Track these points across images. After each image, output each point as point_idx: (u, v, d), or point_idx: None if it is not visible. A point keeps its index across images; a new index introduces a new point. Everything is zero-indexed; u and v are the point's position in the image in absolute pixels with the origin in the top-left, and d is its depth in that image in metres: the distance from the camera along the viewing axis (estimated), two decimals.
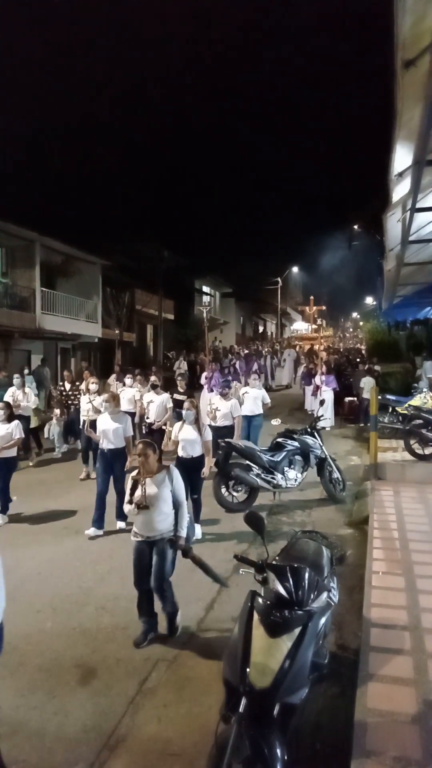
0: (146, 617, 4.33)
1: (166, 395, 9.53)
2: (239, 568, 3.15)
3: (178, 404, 9.64)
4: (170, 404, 9.46)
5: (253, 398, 10.07)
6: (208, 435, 6.68)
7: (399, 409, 11.15)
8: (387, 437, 10.90)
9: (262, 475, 7.46)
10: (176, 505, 4.38)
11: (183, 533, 4.36)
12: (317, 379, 14.07)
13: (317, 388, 13.93)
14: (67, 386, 11.69)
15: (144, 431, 9.45)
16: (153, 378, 10.20)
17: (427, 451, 9.21)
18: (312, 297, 16.26)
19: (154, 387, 9.67)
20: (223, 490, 7.46)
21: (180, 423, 6.68)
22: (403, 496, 7.44)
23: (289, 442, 7.86)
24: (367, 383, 13.36)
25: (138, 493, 4.28)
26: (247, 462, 7.48)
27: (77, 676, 3.84)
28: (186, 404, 6.69)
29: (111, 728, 3.33)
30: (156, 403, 9.28)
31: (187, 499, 6.06)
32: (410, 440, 9.38)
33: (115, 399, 7.14)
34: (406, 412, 10.46)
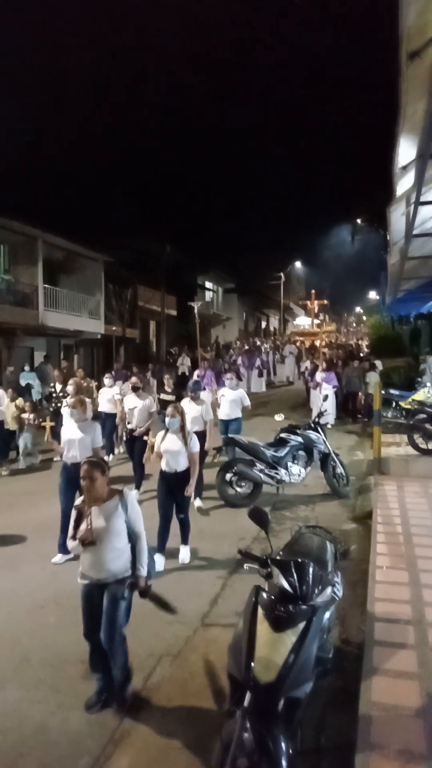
0: (100, 673, 3.58)
1: (149, 399, 8.52)
2: (243, 563, 3.15)
3: (165, 405, 9.08)
4: (154, 408, 8.49)
5: (230, 401, 9.07)
6: (195, 445, 5.78)
7: (402, 404, 11.14)
8: (390, 432, 10.89)
9: (266, 471, 7.47)
10: (133, 539, 3.64)
11: (143, 572, 3.63)
12: (318, 377, 13.89)
13: (318, 385, 13.76)
14: (58, 387, 10.75)
15: (125, 438, 8.57)
16: (134, 380, 8.96)
17: (431, 445, 9.18)
18: (313, 291, 15.99)
19: (135, 389, 8.53)
20: (227, 485, 7.47)
21: (163, 432, 5.80)
22: (407, 491, 7.44)
23: (293, 437, 7.85)
24: (371, 378, 13.34)
25: (83, 526, 3.50)
26: (251, 457, 7.48)
27: (81, 671, 3.84)
28: (169, 410, 5.81)
29: (116, 722, 3.34)
30: (138, 408, 8.17)
31: (180, 514, 5.68)
32: (414, 435, 9.37)
33: (81, 404, 6.19)
34: (409, 406, 10.46)
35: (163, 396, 9.63)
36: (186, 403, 7.45)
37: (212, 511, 7.29)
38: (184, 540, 5.81)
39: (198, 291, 35.26)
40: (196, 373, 14.78)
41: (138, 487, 7.82)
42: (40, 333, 19.39)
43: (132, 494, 3.74)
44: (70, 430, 6.10)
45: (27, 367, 16.37)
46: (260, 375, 21.95)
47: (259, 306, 48.23)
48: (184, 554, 5.74)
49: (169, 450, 5.69)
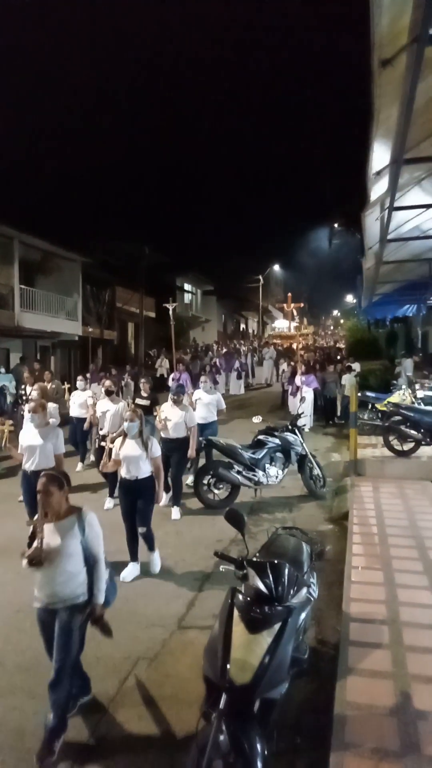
0: (76, 688, 3.42)
1: (123, 403, 8.11)
2: (220, 565, 3.15)
3: (142, 411, 9.07)
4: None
5: (205, 404, 8.81)
6: (156, 450, 5.46)
7: (378, 406, 11.27)
8: (366, 434, 11.02)
9: (243, 473, 7.48)
10: (89, 562, 3.34)
11: (100, 599, 3.34)
12: (297, 380, 13.79)
13: (297, 388, 13.64)
14: (29, 390, 10.29)
15: (97, 444, 8.23)
16: (107, 383, 8.60)
17: (406, 447, 9.31)
18: (290, 294, 16.06)
19: (108, 393, 8.18)
20: (205, 487, 7.47)
21: (121, 438, 5.52)
22: (383, 492, 7.53)
23: (270, 439, 7.89)
24: (348, 381, 13.48)
25: (35, 543, 3.21)
26: (229, 459, 7.49)
27: None
28: (127, 414, 5.52)
29: (92, 727, 3.31)
30: (111, 412, 7.80)
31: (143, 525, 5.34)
32: (389, 436, 9.48)
33: (42, 409, 5.84)
34: (385, 409, 10.57)
35: (138, 400, 9.25)
36: (168, 408, 7.31)
37: (190, 513, 7.27)
38: (151, 548, 5.52)
39: (177, 293, 35.26)
40: (172, 375, 14.35)
41: (112, 495, 7.52)
42: (16, 334, 19.14)
43: (91, 514, 3.41)
44: (29, 436, 5.82)
45: (2, 369, 16.16)
46: (239, 377, 22.09)
47: (237, 308, 48.38)
48: (154, 562, 5.51)
49: (129, 456, 5.36)
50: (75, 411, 9.74)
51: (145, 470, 5.36)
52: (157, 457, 5.46)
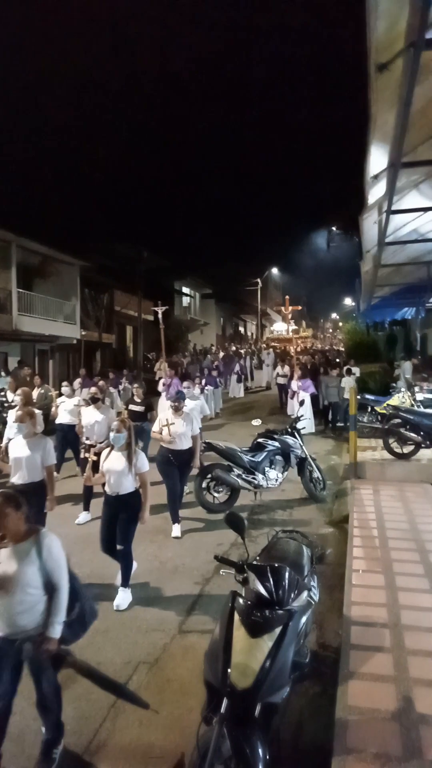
0: None
1: (112, 412, 7.71)
2: (220, 568, 3.15)
3: (135, 416, 8.33)
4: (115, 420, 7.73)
5: (188, 410, 8.09)
6: (144, 465, 5.03)
7: (378, 409, 11.26)
8: (366, 436, 11.01)
9: (243, 476, 7.48)
10: (50, 590, 3.02)
11: (54, 632, 2.96)
12: (293, 384, 13.57)
13: (294, 393, 13.41)
14: (10, 396, 9.78)
15: (82, 454, 7.51)
16: (93, 390, 7.95)
17: (406, 449, 9.31)
18: (287, 297, 15.93)
19: (94, 401, 7.65)
20: (204, 491, 7.46)
21: (107, 449, 5.16)
22: (383, 495, 7.52)
23: (270, 442, 7.88)
24: (347, 383, 13.45)
25: None
26: (228, 462, 7.49)
27: (59, 679, 3.79)
28: (114, 425, 5.08)
29: (92, 733, 3.30)
30: (98, 422, 7.33)
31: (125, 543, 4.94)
32: (389, 439, 9.48)
33: (30, 417, 5.42)
34: (384, 411, 10.57)
35: (132, 406, 8.83)
36: (171, 415, 6.87)
37: (190, 517, 7.25)
38: (124, 581, 4.97)
39: (175, 296, 35.31)
40: (162, 381, 13.87)
41: (86, 508, 7.21)
42: (14, 338, 19.14)
43: (50, 537, 3.08)
44: (17, 447, 5.38)
45: (2, 373, 16.15)
46: (239, 380, 22.10)
47: (236, 311, 48.44)
48: (121, 599, 4.87)
49: (112, 470, 4.97)
50: (63, 418, 9.32)
51: (128, 486, 4.95)
52: (144, 473, 5.01)
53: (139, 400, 8.97)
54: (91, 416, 7.48)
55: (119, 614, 4.73)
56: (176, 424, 6.73)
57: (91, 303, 25.10)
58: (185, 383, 9.14)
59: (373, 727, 2.98)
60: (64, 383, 9.93)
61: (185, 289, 37.48)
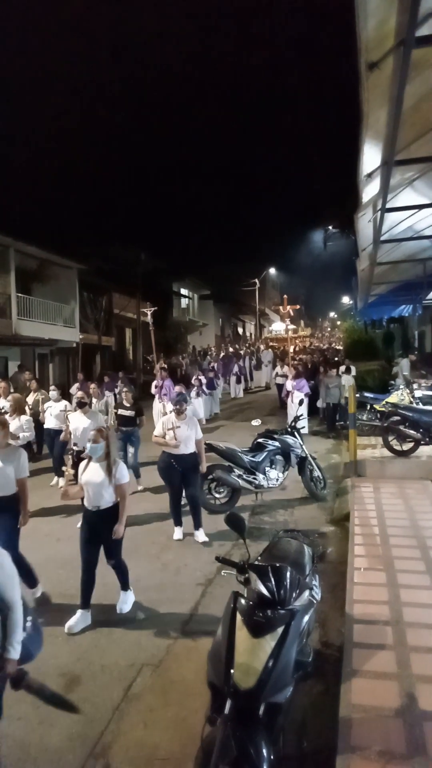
0: None
1: (99, 417, 7.54)
2: (222, 569, 3.16)
3: (124, 421, 8.51)
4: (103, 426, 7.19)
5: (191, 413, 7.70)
6: (123, 476, 4.70)
7: (377, 407, 11.28)
8: (366, 434, 11.03)
9: (244, 476, 7.49)
10: (2, 608, 2.77)
11: (13, 654, 2.75)
12: (288, 385, 13.34)
13: (288, 393, 13.21)
14: (0, 403, 9.28)
15: (72, 461, 6.82)
16: (79, 394, 7.67)
17: (405, 447, 9.32)
18: (285, 296, 15.89)
19: (81, 405, 7.48)
20: (206, 491, 7.47)
21: (86, 461, 4.82)
22: (383, 492, 7.53)
23: (270, 442, 7.89)
24: (347, 382, 13.44)
25: None
26: (229, 463, 7.50)
27: (62, 685, 3.80)
28: (91, 434, 4.75)
29: (97, 736, 3.31)
30: (85, 428, 7.01)
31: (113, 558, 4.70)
32: (388, 437, 9.49)
33: (3, 427, 4.94)
34: (384, 409, 10.59)
35: (122, 411, 8.60)
36: (175, 419, 6.55)
37: (191, 518, 7.26)
38: (123, 585, 4.90)
39: (174, 298, 35.36)
40: (154, 383, 13.68)
41: None
42: (14, 342, 19.16)
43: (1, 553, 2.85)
44: None
45: None
46: (238, 381, 22.09)
47: (235, 312, 48.48)
48: (122, 602, 4.85)
49: (91, 482, 4.65)
50: (51, 423, 9.23)
51: (108, 499, 4.64)
52: (123, 484, 4.69)
53: (128, 405, 8.64)
54: (77, 422, 7.28)
55: (122, 616, 4.74)
56: (181, 427, 6.47)
57: (90, 306, 25.13)
58: (177, 387, 8.89)
59: (377, 725, 2.98)
60: (52, 387, 9.85)
61: (183, 291, 37.54)
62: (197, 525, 6.50)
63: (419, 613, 4.18)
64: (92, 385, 11.10)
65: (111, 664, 4.03)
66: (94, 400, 9.93)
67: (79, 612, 4.60)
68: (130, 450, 8.54)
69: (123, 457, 8.09)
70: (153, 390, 13.54)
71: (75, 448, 7.13)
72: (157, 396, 13.14)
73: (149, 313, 15.00)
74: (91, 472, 4.68)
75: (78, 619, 4.56)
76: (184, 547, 6.29)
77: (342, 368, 14.88)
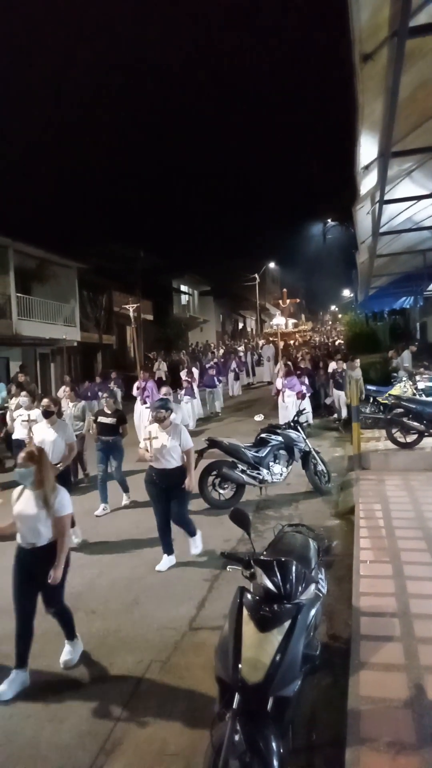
0: None
1: (69, 430, 6.43)
2: (227, 565, 3.16)
3: (104, 430, 7.60)
4: (73, 439, 6.42)
5: (178, 421, 6.90)
6: (63, 507, 3.86)
7: (380, 399, 11.27)
8: (369, 427, 11.01)
9: (248, 471, 7.50)
10: None
11: None
12: (278, 383, 12.55)
13: (278, 392, 12.43)
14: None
15: None
16: (45, 401, 6.42)
17: (409, 439, 9.31)
18: (285, 290, 15.84)
19: (47, 415, 6.29)
20: (210, 487, 7.48)
21: (19, 488, 3.95)
22: (388, 485, 7.54)
23: (273, 437, 7.90)
24: (352, 376, 13.37)
25: None
26: (232, 459, 7.51)
27: (71, 682, 3.83)
28: (20, 456, 3.87)
29: (107, 732, 3.32)
30: (51, 440, 6.08)
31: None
32: (392, 429, 9.48)
33: None
34: (386, 401, 10.58)
35: (102, 419, 7.70)
36: (155, 429, 5.73)
37: (196, 514, 7.27)
38: (69, 634, 4.11)
39: (174, 295, 35.34)
40: (135, 384, 12.61)
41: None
42: (15, 343, 19.18)
43: None
44: None
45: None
46: (236, 378, 21.60)
47: (235, 307, 48.42)
48: (67, 655, 4.06)
49: (23, 515, 3.83)
50: (19, 433, 8.19)
51: (46, 535, 3.84)
52: (62, 517, 3.84)
53: (109, 412, 7.69)
54: (42, 433, 6.19)
55: (129, 613, 4.76)
56: (159, 437, 5.63)
57: (90, 305, 25.13)
58: (164, 389, 7.65)
59: (386, 716, 2.99)
60: (23, 393, 8.62)
61: (183, 287, 37.50)
62: (191, 534, 5.90)
63: (426, 604, 4.18)
64: (66, 388, 9.73)
65: (119, 661, 4.05)
66: (69, 404, 8.82)
67: (13, 673, 3.82)
68: (113, 462, 7.77)
69: (104, 470, 7.61)
70: (134, 392, 12.57)
71: None
72: (138, 398, 12.21)
73: (131, 309, 14.37)
74: (24, 503, 3.86)
75: (11, 681, 3.78)
76: (189, 544, 6.30)
77: (353, 360, 14.69)
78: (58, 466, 5.94)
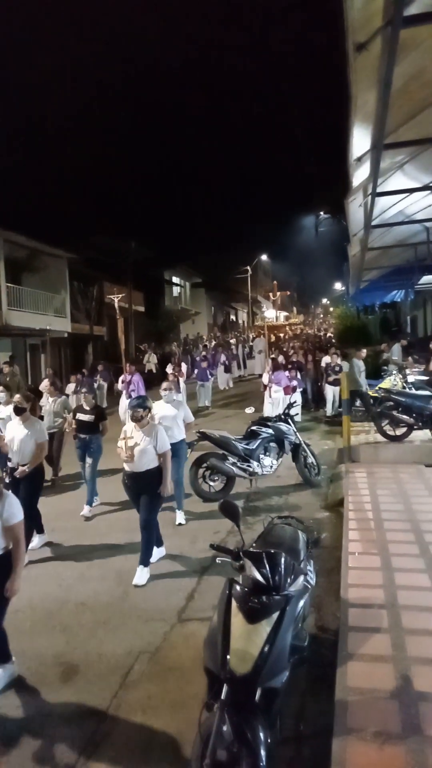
0: None
1: (39, 424, 6.02)
2: (217, 557, 3.17)
3: (83, 428, 7.26)
4: (45, 438, 5.98)
5: (170, 419, 6.62)
6: (12, 515, 3.61)
7: (370, 392, 11.29)
8: (359, 420, 11.05)
9: (238, 464, 7.50)
10: None
11: None
12: (265, 378, 12.29)
13: (266, 387, 12.19)
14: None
15: (7, 479, 5.74)
16: (17, 397, 5.98)
17: (399, 431, 9.36)
18: (275, 282, 15.77)
19: (18, 412, 5.84)
20: (200, 479, 7.48)
21: None
22: (377, 477, 7.57)
23: (264, 429, 7.91)
24: (344, 368, 13.32)
25: None
26: (223, 451, 7.51)
27: (59, 674, 3.82)
28: None
29: (95, 723, 3.32)
30: (20, 438, 5.74)
31: None
32: (382, 422, 9.53)
33: None
34: (377, 395, 10.61)
35: (80, 416, 7.33)
36: (131, 429, 5.37)
37: (186, 506, 7.28)
38: (3, 657, 3.78)
39: (165, 286, 35.20)
40: (121, 378, 12.12)
41: (40, 530, 6.24)
42: (4, 333, 19.03)
43: None
44: None
45: None
46: (226, 371, 20.97)
47: (227, 300, 48.39)
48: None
49: None
50: None
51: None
52: (13, 525, 3.62)
53: (88, 408, 7.32)
54: (13, 431, 5.86)
55: (119, 605, 4.75)
56: (134, 437, 5.27)
57: (81, 296, 24.98)
58: (164, 384, 6.96)
59: (373, 707, 3.01)
60: (0, 389, 8.11)
61: (175, 279, 37.36)
62: (144, 559, 5.25)
63: (414, 595, 4.21)
64: (47, 382, 9.21)
65: (108, 652, 4.05)
66: (49, 399, 8.63)
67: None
68: (88, 460, 7.32)
69: (81, 468, 7.39)
70: (120, 385, 12.21)
71: (9, 464, 5.86)
72: (124, 392, 11.91)
73: (116, 300, 13.86)
74: None
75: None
76: (179, 535, 6.31)
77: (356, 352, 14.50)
78: (25, 467, 5.68)
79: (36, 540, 6.12)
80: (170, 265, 35.01)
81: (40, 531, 6.24)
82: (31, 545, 5.84)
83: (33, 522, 5.87)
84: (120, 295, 13.94)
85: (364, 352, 12.02)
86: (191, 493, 7.37)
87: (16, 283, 19.91)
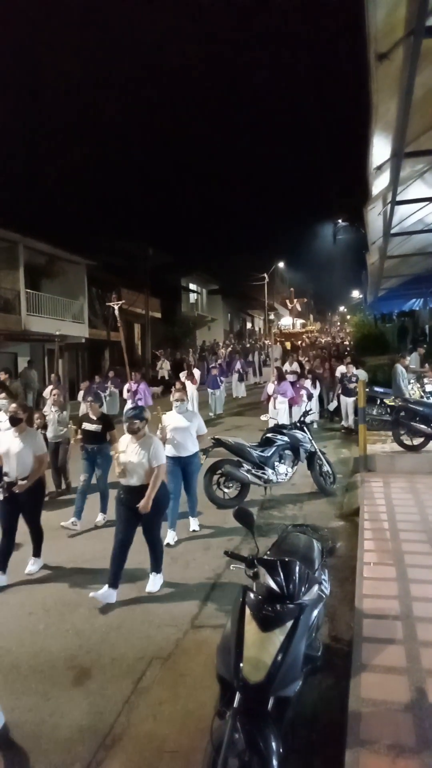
0: None
1: (39, 439, 5.67)
2: (231, 564, 3.16)
3: (89, 438, 6.99)
4: (45, 450, 5.67)
5: (182, 430, 6.36)
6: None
7: (387, 401, 11.21)
8: (375, 429, 10.97)
9: (253, 471, 7.48)
10: None
11: None
12: (269, 388, 11.83)
13: (269, 398, 11.72)
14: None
15: (2, 494, 5.40)
16: (12, 407, 5.62)
17: (416, 441, 9.27)
18: (292, 290, 15.68)
19: (14, 422, 5.48)
20: (214, 486, 7.48)
21: None
22: (393, 487, 7.50)
23: (279, 437, 7.89)
24: (360, 376, 13.28)
25: None
26: (237, 458, 7.50)
27: (72, 677, 3.83)
28: None
29: (107, 728, 3.32)
30: (16, 452, 5.40)
31: None
32: (398, 431, 9.44)
33: None
34: (393, 404, 10.53)
35: (86, 425, 7.06)
36: (126, 441, 5.16)
37: (200, 512, 7.28)
38: None
39: (182, 293, 35.36)
40: (126, 387, 11.84)
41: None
42: (24, 338, 19.26)
43: None
44: None
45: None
46: (240, 380, 20.75)
47: (243, 307, 48.42)
48: None
49: None
50: None
51: None
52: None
53: (94, 417, 7.05)
54: (7, 443, 5.48)
55: (132, 610, 4.76)
56: (128, 450, 5.06)
57: (99, 301, 25.19)
58: (176, 395, 6.64)
59: (387, 719, 2.98)
60: (1, 395, 7.91)
61: (192, 286, 37.51)
62: (155, 566, 5.19)
63: (429, 607, 4.16)
64: (54, 391, 9.00)
65: (120, 657, 4.05)
66: (53, 409, 8.40)
67: None
68: (98, 471, 7.10)
69: (87, 480, 7.00)
70: (125, 395, 11.90)
71: (6, 478, 5.45)
72: (129, 402, 11.48)
73: (116, 307, 13.65)
74: None
75: None
76: (193, 541, 6.30)
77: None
78: (23, 482, 5.34)
79: (33, 567, 5.66)
80: (187, 271, 35.18)
81: (37, 554, 5.73)
82: (26, 570, 5.59)
83: (35, 542, 5.68)
84: (120, 302, 13.65)
85: (408, 359, 11.60)
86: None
87: (35, 288, 20.16)
